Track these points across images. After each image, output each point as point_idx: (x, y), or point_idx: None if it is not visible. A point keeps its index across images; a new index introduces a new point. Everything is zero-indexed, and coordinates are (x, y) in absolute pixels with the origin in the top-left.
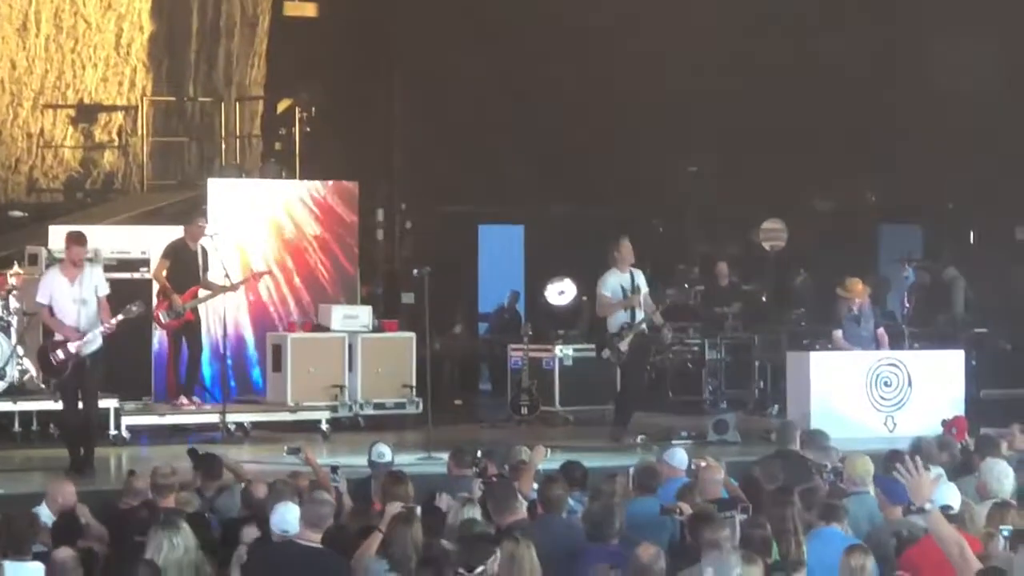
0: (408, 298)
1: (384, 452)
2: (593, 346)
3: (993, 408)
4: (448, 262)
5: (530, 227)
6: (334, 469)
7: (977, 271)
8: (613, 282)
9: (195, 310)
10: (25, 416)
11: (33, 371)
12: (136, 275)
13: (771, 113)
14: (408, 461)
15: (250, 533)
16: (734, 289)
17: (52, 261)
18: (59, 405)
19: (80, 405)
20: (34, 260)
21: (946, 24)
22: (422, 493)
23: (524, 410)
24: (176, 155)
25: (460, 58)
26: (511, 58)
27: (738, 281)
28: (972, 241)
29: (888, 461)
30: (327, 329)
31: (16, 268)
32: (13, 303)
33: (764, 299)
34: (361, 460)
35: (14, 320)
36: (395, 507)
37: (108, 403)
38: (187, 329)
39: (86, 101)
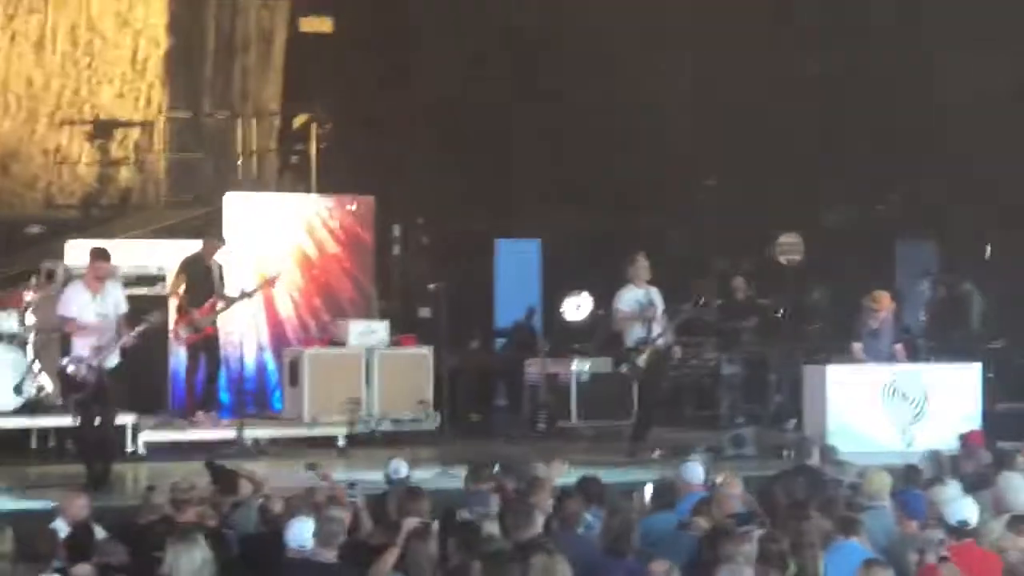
0: (425, 313)
1: (401, 468)
2: (611, 361)
3: (1009, 422)
4: (465, 277)
5: (547, 242)
6: (351, 485)
7: (993, 285)
8: (629, 297)
9: (214, 324)
10: (42, 432)
11: (50, 387)
12: (153, 291)
13: (788, 127)
14: (425, 477)
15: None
16: (751, 303)
17: (69, 277)
18: (76, 421)
19: (97, 421)
20: (51, 276)
21: (960, 37)
22: (439, 509)
23: (541, 425)
24: (192, 171)
25: (476, 72)
26: (528, 72)
27: (754, 295)
28: (987, 255)
29: (906, 475)
30: (344, 344)
31: (33, 284)
32: (30, 319)
33: (781, 313)
34: (378, 476)
35: (31, 336)
36: (412, 523)
37: (125, 419)
38: (206, 345)
39: (102, 117)
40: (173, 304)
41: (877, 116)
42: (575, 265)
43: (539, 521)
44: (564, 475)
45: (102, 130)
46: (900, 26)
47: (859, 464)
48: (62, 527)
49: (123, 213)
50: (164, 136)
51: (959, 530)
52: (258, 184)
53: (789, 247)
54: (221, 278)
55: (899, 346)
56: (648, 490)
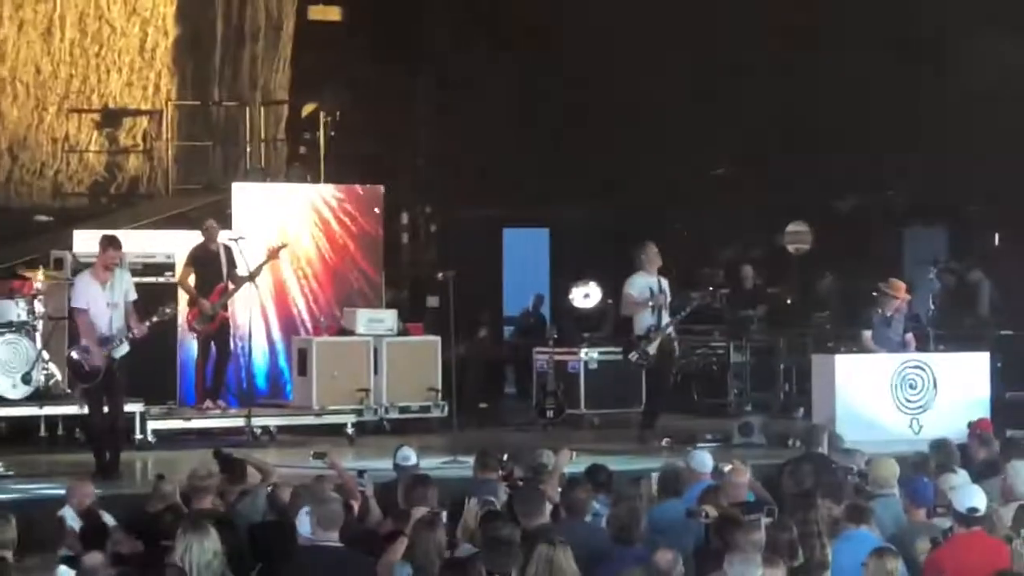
0: (433, 301)
1: (409, 455)
2: (619, 349)
3: (1018, 410)
4: (473, 265)
5: (555, 230)
6: (360, 473)
7: (1002, 273)
8: (641, 283)
9: (225, 307)
10: (51, 420)
11: (59, 375)
12: (161, 279)
13: (795, 115)
14: (433, 465)
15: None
16: (759, 292)
17: (78, 266)
18: (84, 410)
19: (106, 409)
20: (59, 264)
21: (970, 23)
22: (447, 497)
23: (549, 413)
24: (201, 159)
25: (484, 60)
26: (535, 60)
27: (763, 284)
28: (997, 243)
29: (914, 464)
30: (352, 333)
31: (41, 272)
32: (39, 307)
33: (789, 302)
34: (387, 464)
35: (39, 324)
36: (420, 511)
37: (134, 407)
38: (217, 334)
39: (111, 105)
40: (183, 296)
41: (885, 104)
42: (583, 253)
43: (547, 509)
44: (572, 463)
45: (111, 118)
46: (905, 12)
47: (867, 452)
48: (69, 515)
49: (131, 202)
50: (172, 124)
51: (968, 518)
52: (266, 173)
53: (798, 236)
54: (231, 261)
55: (910, 336)
56: (655, 478)
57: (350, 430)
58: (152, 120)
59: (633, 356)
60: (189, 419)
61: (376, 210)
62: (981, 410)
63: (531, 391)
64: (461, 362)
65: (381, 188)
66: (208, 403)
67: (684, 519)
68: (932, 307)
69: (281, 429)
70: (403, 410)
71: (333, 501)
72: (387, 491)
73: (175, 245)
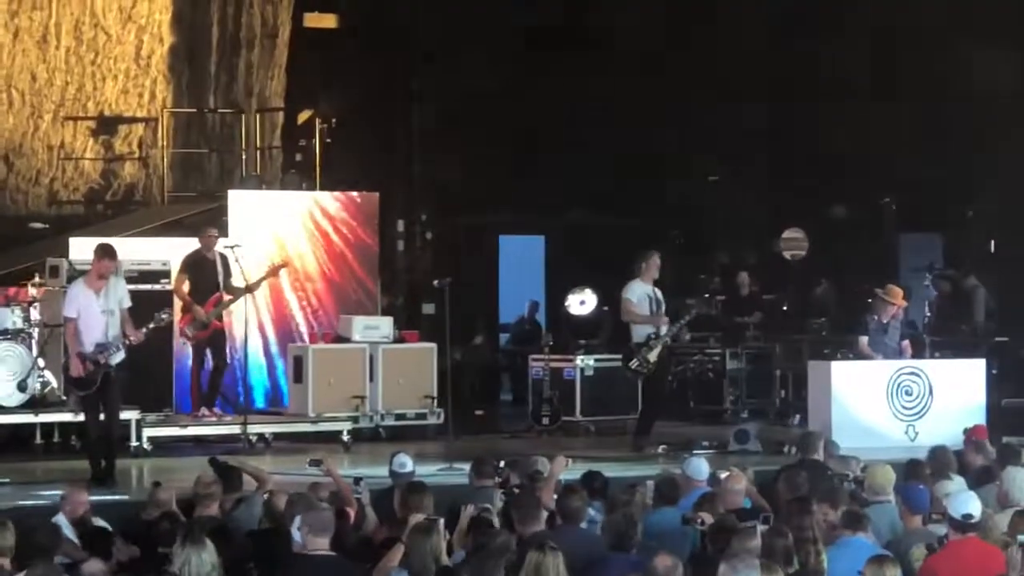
0: (429, 309)
1: (405, 462)
2: (616, 356)
3: (1014, 417)
4: (469, 273)
5: (550, 237)
6: (357, 480)
7: (998, 280)
8: (640, 291)
9: (220, 318)
10: (46, 428)
11: (54, 383)
12: (157, 287)
13: (791, 122)
14: (429, 472)
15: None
16: (755, 299)
17: (73, 273)
18: (80, 417)
19: (102, 416)
20: (55, 272)
21: (965, 29)
22: (443, 504)
23: (545, 420)
24: (196, 167)
25: (480, 68)
26: (530, 67)
27: (759, 291)
28: (993, 250)
29: (910, 470)
30: (348, 340)
31: (37, 280)
32: (34, 315)
33: (785, 309)
34: (383, 471)
35: (35, 332)
36: (416, 518)
37: (129, 415)
38: (213, 341)
39: (106, 113)
40: (177, 303)
41: (881, 110)
42: (579, 261)
43: (543, 516)
44: (568, 470)
45: (106, 126)
46: (909, 21)
47: (863, 459)
48: (63, 522)
49: (127, 209)
50: (168, 132)
51: (963, 524)
52: (262, 180)
53: (793, 242)
54: (226, 270)
55: (906, 343)
56: (651, 485)
57: (346, 437)
58: (148, 127)
59: (634, 364)
60: (185, 426)
61: (372, 217)
62: (977, 417)
63: (527, 398)
64: (457, 369)
65: (377, 195)
66: (204, 410)
67: (679, 526)
68: (928, 314)
69: (277, 436)
70: (399, 417)
71: (323, 509)
72: (383, 498)
73: (171, 252)
